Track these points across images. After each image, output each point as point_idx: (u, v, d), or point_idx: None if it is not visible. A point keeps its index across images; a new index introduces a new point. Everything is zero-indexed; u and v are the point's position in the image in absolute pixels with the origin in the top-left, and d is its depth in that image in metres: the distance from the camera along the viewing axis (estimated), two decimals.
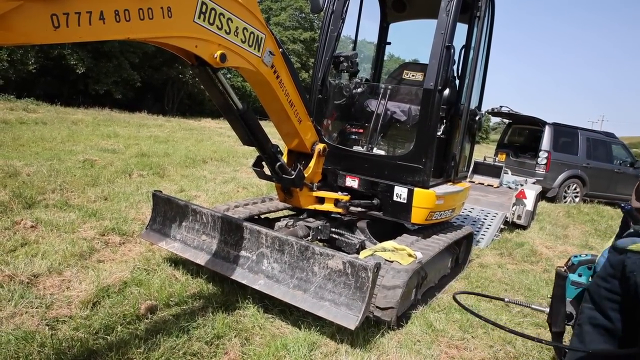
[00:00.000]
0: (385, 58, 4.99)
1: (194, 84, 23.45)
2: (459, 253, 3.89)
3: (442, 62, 2.97)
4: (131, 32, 1.73)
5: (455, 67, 3.64)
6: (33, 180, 4.89)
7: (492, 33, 3.93)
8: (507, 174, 8.11)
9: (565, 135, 9.35)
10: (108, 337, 2.19)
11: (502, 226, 5.64)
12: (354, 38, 4.19)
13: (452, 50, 3.02)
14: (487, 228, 5.37)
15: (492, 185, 7.28)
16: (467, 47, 3.64)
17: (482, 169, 7.87)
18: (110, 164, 6.42)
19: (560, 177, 9.03)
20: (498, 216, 5.62)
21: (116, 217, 4.02)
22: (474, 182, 7.62)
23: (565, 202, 9.30)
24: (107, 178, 5.53)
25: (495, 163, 8.36)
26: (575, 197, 9.46)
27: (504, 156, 9.93)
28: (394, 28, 4.73)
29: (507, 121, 11.01)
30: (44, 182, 4.85)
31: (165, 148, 8.79)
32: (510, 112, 9.72)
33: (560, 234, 6.11)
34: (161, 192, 3.16)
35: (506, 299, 2.13)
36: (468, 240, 3.99)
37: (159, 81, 22.54)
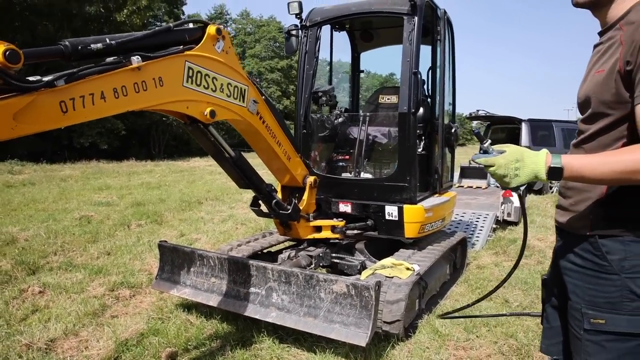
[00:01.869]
0: (362, 70, 5.22)
1: (178, 126, 23.69)
2: (456, 259, 4.07)
3: (411, 87, 3.23)
4: (129, 105, 1.92)
5: (425, 87, 3.94)
6: (32, 244, 4.93)
7: (455, 51, 4.25)
8: None
9: (542, 129, 9.80)
10: None
11: (494, 225, 5.86)
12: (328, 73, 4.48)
13: (419, 76, 3.29)
14: (481, 230, 5.57)
15: (481, 187, 7.56)
16: (433, 67, 3.94)
17: (469, 172, 8.17)
18: (107, 217, 6.51)
19: None
20: (489, 217, 5.84)
21: (122, 271, 4.11)
22: (462, 186, 7.89)
23: (552, 192, 9.62)
24: (107, 232, 5.61)
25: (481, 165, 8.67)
26: None
27: None
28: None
29: (486, 123, 11.44)
30: (44, 245, 4.90)
31: (158, 194, 8.89)
32: (487, 114, 10.16)
33: (549, 224, 6.32)
34: (166, 241, 3.30)
35: (507, 313, 2.29)
36: (462, 245, 4.18)
37: (142, 126, 22.78)
